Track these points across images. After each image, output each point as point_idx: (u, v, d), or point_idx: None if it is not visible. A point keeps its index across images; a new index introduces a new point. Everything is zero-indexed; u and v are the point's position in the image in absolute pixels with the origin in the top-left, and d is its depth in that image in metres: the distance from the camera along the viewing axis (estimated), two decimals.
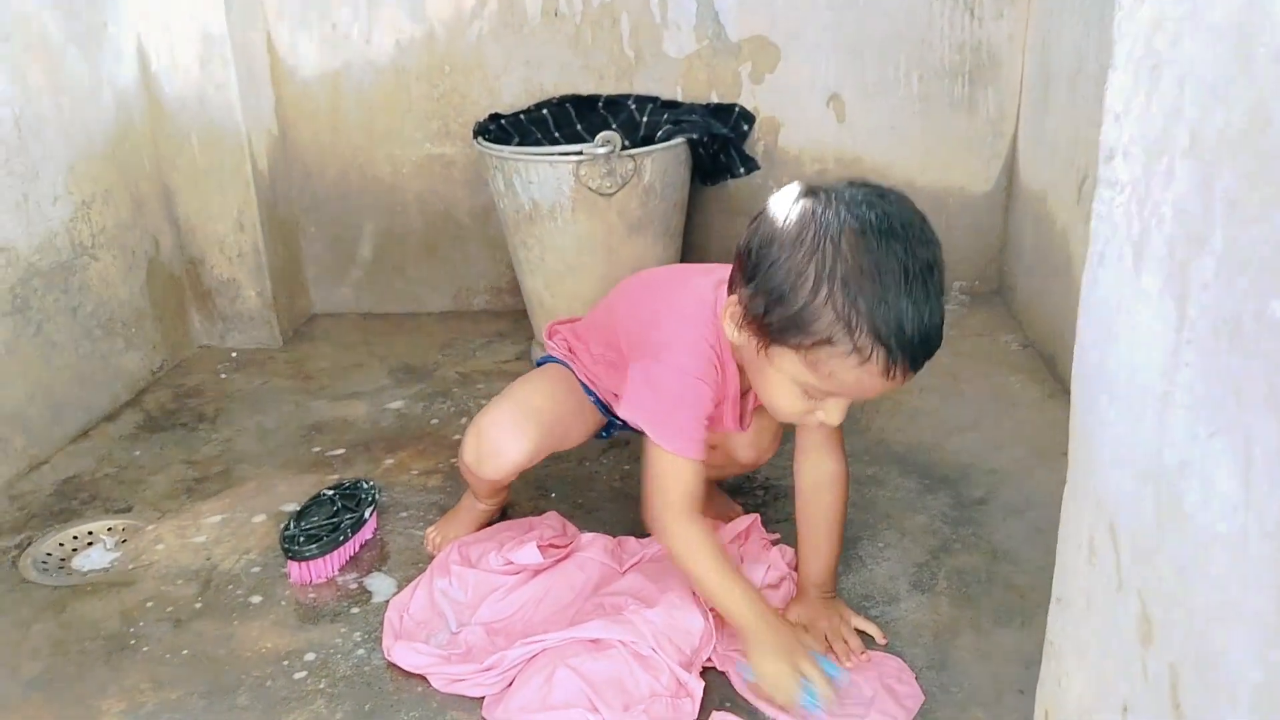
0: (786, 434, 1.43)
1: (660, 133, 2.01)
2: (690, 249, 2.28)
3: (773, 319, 1.04)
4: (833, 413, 1.10)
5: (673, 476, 1.17)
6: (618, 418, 1.47)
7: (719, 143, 2.09)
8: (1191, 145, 0.57)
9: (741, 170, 2.16)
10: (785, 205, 1.06)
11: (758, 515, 1.49)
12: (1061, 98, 1.98)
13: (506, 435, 1.34)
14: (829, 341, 1.01)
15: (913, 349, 1.01)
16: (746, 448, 1.46)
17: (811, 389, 1.07)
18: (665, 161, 1.95)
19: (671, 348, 1.19)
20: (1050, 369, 2.01)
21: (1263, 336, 0.50)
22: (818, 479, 1.29)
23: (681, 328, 1.20)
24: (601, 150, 1.83)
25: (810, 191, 1.06)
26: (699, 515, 1.18)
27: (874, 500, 1.60)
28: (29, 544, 1.56)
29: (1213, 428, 0.56)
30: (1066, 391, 1.88)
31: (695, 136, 2.00)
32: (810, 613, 1.29)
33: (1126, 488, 0.68)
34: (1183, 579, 0.60)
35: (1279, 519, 0.50)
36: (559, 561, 1.38)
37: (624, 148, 1.87)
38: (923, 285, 1.01)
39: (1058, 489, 1.57)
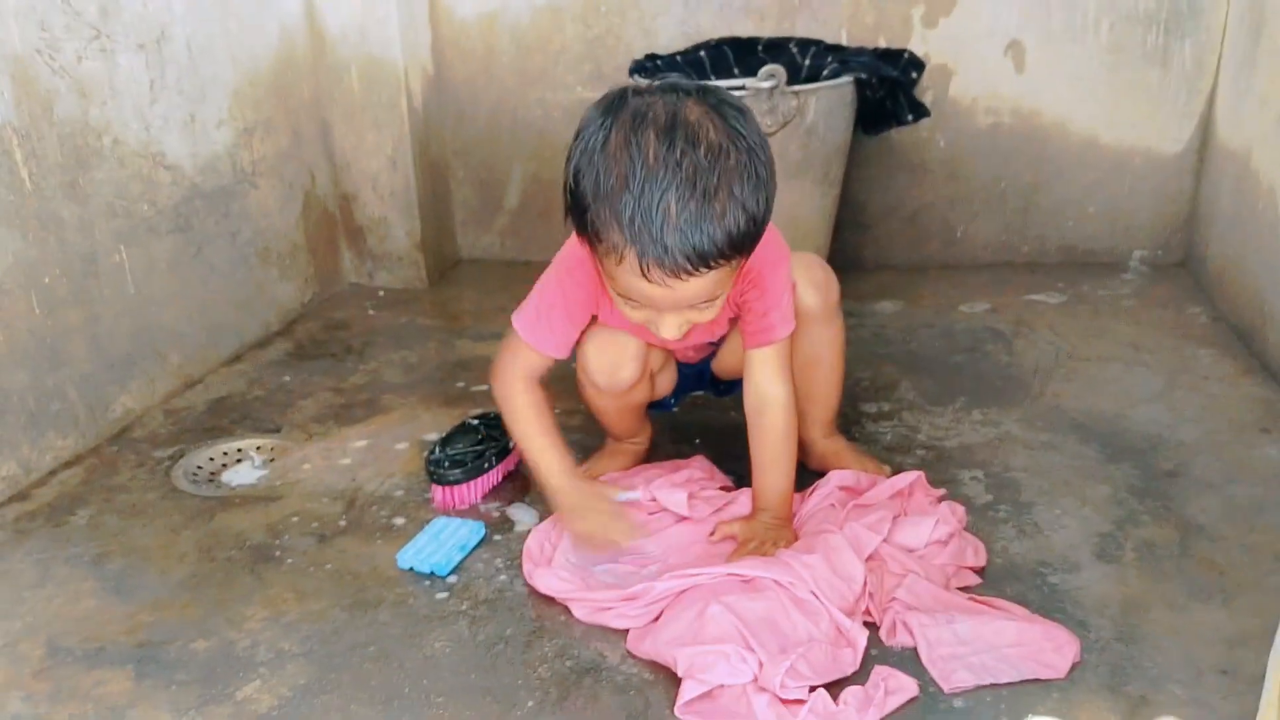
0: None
1: (825, 74, 1.91)
2: (847, 201, 2.17)
3: None
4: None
5: (517, 354, 1.27)
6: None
7: (886, 86, 1.97)
8: None
9: (910, 117, 2.03)
10: None
11: (921, 473, 1.39)
12: (1277, 41, 1.79)
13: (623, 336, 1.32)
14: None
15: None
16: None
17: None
18: (830, 102, 1.85)
19: (569, 251, 1.23)
20: (1247, 343, 1.83)
21: None
22: (758, 403, 1.28)
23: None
24: (766, 84, 1.74)
25: None
26: (532, 386, 1.28)
27: (1049, 467, 1.48)
28: (181, 456, 1.58)
29: None
30: (1265, 367, 1.72)
31: (863, 76, 1.89)
32: (751, 531, 1.26)
33: None
34: None
35: None
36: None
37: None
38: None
39: (1260, 465, 1.41)
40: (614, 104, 1.04)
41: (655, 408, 1.53)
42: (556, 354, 1.27)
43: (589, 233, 1.05)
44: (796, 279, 1.28)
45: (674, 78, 1.09)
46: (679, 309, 1.09)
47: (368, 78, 2.15)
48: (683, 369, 1.48)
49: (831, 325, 1.37)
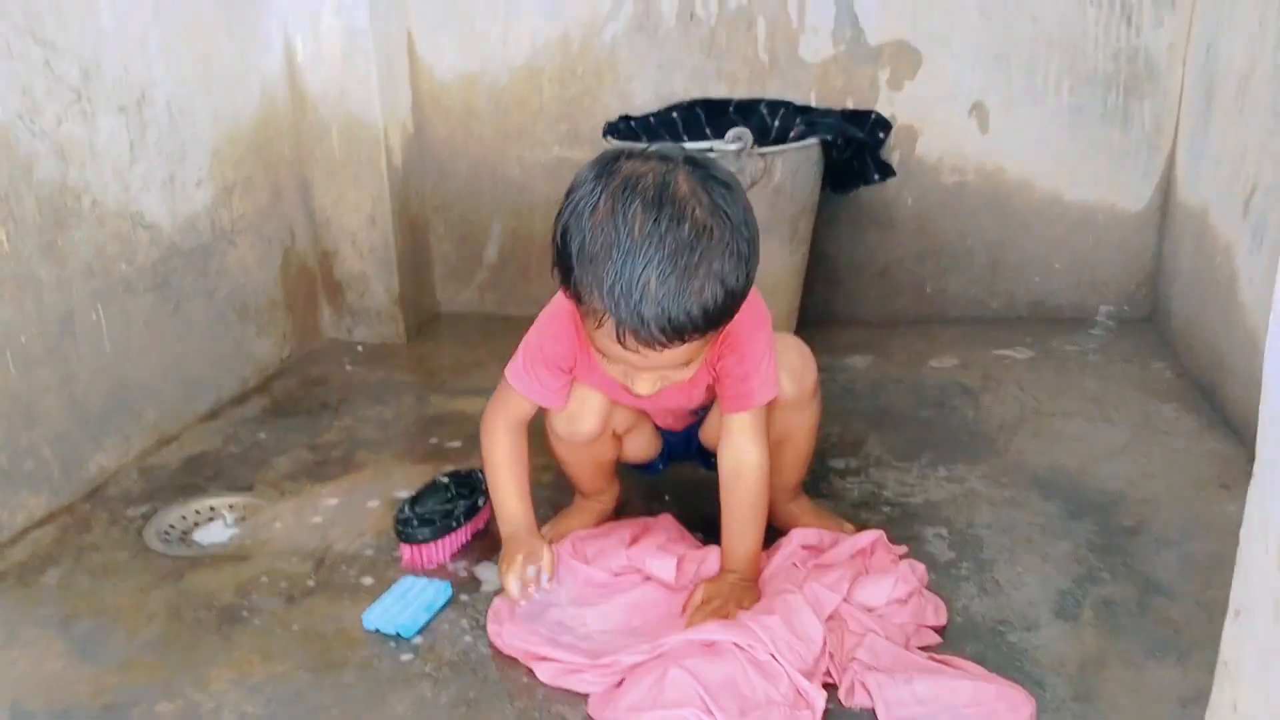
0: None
1: (792, 134, 1.95)
2: (818, 257, 2.21)
3: None
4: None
5: (506, 400, 1.33)
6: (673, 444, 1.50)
7: (853, 147, 2.02)
8: None
9: (876, 176, 2.08)
10: None
11: (882, 531, 1.40)
12: (1228, 106, 1.85)
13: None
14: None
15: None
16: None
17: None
18: (797, 162, 1.89)
19: (556, 302, 1.26)
20: (1209, 399, 1.86)
21: None
22: (734, 466, 1.29)
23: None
24: (732, 146, 1.78)
25: None
26: (514, 434, 1.34)
27: (1012, 523, 1.50)
28: (153, 515, 1.59)
29: None
30: (1226, 422, 1.76)
31: (829, 138, 1.94)
32: (716, 590, 1.27)
33: None
34: None
35: None
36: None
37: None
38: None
39: (1219, 521, 1.43)
40: (606, 167, 1.07)
41: (641, 470, 1.55)
42: (543, 403, 1.32)
43: (573, 291, 1.08)
44: None
45: (668, 145, 1.12)
46: (654, 370, 1.12)
47: (348, 136, 2.19)
48: (669, 436, 1.49)
49: (805, 410, 1.38)
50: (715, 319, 1.06)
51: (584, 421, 1.33)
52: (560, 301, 1.22)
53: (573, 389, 1.32)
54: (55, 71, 1.57)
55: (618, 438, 1.42)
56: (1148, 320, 2.27)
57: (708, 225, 1.03)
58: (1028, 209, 2.24)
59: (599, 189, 1.05)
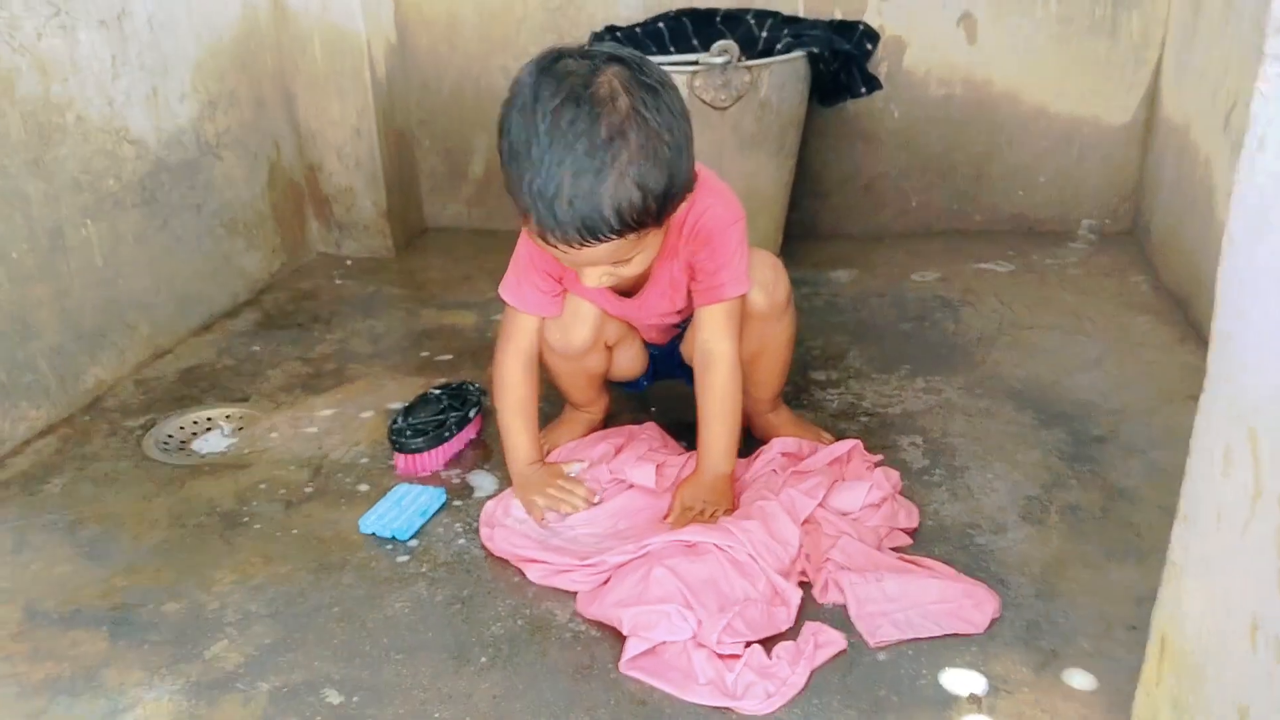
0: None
1: (779, 46, 1.95)
2: (804, 171, 2.22)
3: None
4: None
5: (510, 328, 1.36)
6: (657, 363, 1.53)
7: (840, 60, 2.01)
8: None
9: (863, 90, 2.08)
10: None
11: (858, 440, 1.45)
12: (1214, 18, 1.84)
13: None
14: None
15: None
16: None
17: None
18: (783, 75, 1.89)
19: None
20: (1184, 312, 1.91)
21: None
22: (703, 358, 1.32)
23: None
24: (718, 60, 1.78)
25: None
26: (525, 369, 1.36)
27: (985, 432, 1.55)
28: (152, 425, 1.63)
29: None
30: (1199, 336, 1.80)
31: (816, 50, 1.93)
32: (693, 493, 1.31)
33: (1269, 391, 0.63)
34: None
35: None
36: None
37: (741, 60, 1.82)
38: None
39: (1185, 431, 1.49)
40: (545, 64, 1.09)
41: (627, 387, 1.59)
42: (542, 312, 1.34)
43: (508, 188, 1.11)
44: None
45: (612, 46, 1.14)
46: (585, 266, 1.15)
47: (330, 48, 2.17)
48: (653, 351, 1.53)
49: (779, 322, 1.40)
50: (632, 221, 1.08)
51: (576, 331, 1.36)
52: None
53: (566, 300, 1.35)
54: None
55: (609, 349, 1.45)
56: (1129, 234, 2.30)
57: (623, 128, 1.05)
58: (1013, 121, 2.25)
59: (533, 84, 1.07)
